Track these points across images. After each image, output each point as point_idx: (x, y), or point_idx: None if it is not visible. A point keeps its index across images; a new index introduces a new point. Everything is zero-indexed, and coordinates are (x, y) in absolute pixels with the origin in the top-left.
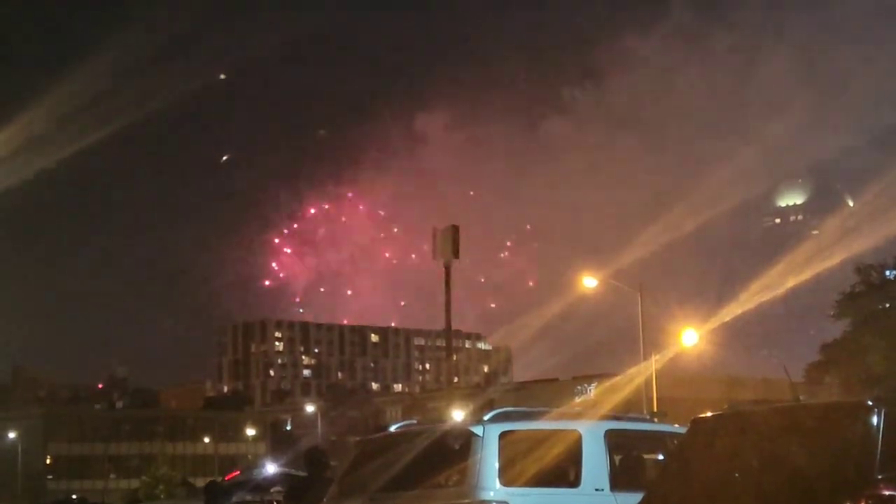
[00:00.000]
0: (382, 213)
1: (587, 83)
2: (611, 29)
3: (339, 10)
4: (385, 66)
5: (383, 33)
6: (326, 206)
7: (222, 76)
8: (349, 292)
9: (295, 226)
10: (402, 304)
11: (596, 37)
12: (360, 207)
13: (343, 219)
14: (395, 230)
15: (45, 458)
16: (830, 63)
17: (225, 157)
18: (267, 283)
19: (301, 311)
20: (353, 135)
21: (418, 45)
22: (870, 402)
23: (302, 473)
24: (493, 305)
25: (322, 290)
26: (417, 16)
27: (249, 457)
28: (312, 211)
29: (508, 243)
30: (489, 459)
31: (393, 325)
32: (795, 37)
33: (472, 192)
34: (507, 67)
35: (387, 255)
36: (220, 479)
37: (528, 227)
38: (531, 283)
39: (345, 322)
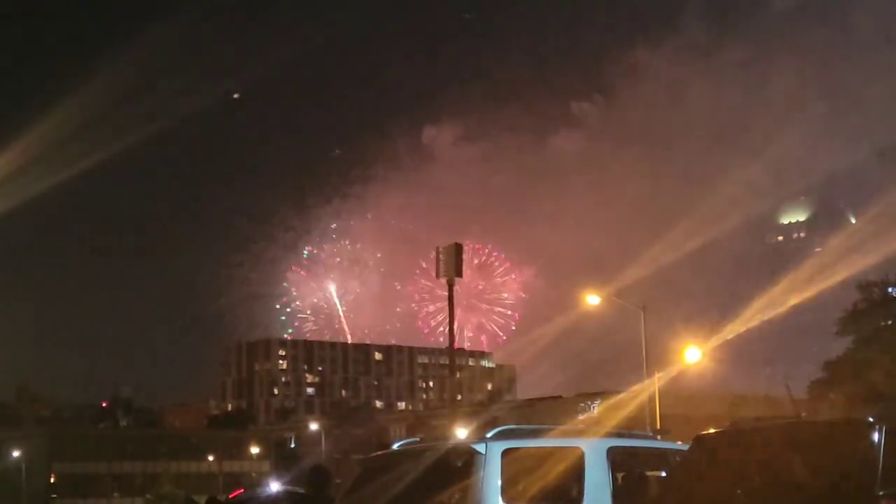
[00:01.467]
0: (389, 229)
1: (597, 98)
2: (621, 43)
3: (349, 27)
4: (394, 82)
5: (392, 49)
6: (333, 224)
7: (236, 95)
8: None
9: (300, 243)
10: (407, 321)
11: (606, 51)
12: (367, 224)
13: (349, 235)
14: (402, 246)
15: (50, 477)
16: (839, 79)
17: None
18: (272, 301)
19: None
20: (361, 151)
21: (427, 60)
22: (871, 420)
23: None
24: (497, 323)
25: (326, 307)
26: (426, 31)
27: (253, 475)
28: (319, 228)
29: (513, 259)
30: (492, 477)
31: (395, 342)
32: (805, 52)
33: (479, 208)
34: (517, 82)
35: (394, 271)
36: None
37: (535, 243)
38: (536, 301)
39: (349, 340)
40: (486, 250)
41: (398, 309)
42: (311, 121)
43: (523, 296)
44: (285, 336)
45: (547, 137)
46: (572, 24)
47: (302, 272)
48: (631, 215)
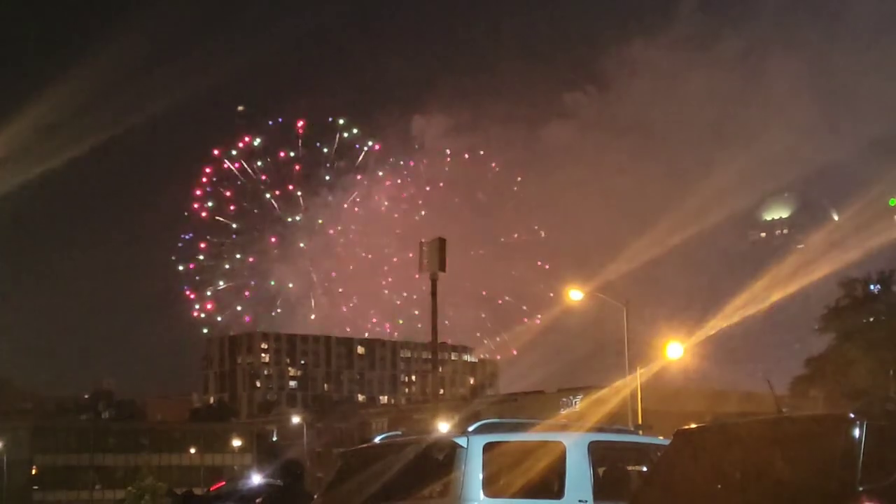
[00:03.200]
0: (377, 220)
1: (590, 89)
2: (616, 35)
3: (339, 16)
4: (385, 72)
5: (383, 39)
6: (320, 216)
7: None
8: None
9: (284, 235)
10: (391, 314)
11: (600, 43)
12: (355, 215)
13: (337, 227)
14: (387, 239)
15: (31, 470)
16: (831, 73)
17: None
18: (253, 293)
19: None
20: (350, 141)
21: (420, 50)
22: (852, 415)
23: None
24: (481, 316)
25: (311, 300)
26: (418, 21)
27: (235, 468)
28: (303, 219)
29: (498, 254)
30: (473, 471)
31: (379, 336)
32: (799, 45)
33: (465, 201)
34: (510, 73)
35: (378, 264)
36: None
37: (520, 237)
38: (519, 295)
39: (331, 334)
40: None
41: (385, 301)
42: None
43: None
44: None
45: (539, 129)
46: (566, 16)
47: (285, 264)
48: (619, 209)
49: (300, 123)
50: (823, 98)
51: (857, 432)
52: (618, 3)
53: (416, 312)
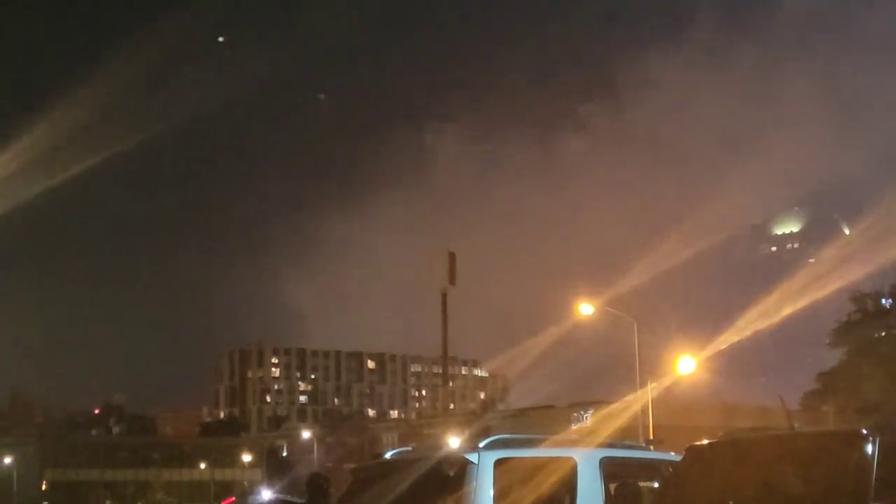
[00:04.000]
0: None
1: (602, 102)
2: (629, 47)
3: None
4: (397, 84)
5: (395, 51)
6: (332, 228)
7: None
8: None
9: (297, 248)
10: (402, 328)
11: (614, 56)
12: (366, 227)
13: (347, 240)
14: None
15: (41, 484)
16: (845, 86)
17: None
18: (267, 306)
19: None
20: (363, 154)
21: (433, 63)
22: (864, 431)
23: (299, 501)
24: (492, 330)
25: (321, 314)
26: (432, 33)
27: (245, 483)
28: (317, 232)
29: (510, 267)
30: (484, 487)
31: (389, 350)
32: (813, 59)
33: (479, 213)
34: (522, 86)
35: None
36: None
37: (532, 250)
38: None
39: (341, 348)
40: None
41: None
42: (312, 125)
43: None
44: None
45: (552, 142)
46: (580, 29)
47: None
48: (630, 222)
49: None
50: (837, 112)
51: (869, 448)
52: (632, 17)
53: (427, 326)
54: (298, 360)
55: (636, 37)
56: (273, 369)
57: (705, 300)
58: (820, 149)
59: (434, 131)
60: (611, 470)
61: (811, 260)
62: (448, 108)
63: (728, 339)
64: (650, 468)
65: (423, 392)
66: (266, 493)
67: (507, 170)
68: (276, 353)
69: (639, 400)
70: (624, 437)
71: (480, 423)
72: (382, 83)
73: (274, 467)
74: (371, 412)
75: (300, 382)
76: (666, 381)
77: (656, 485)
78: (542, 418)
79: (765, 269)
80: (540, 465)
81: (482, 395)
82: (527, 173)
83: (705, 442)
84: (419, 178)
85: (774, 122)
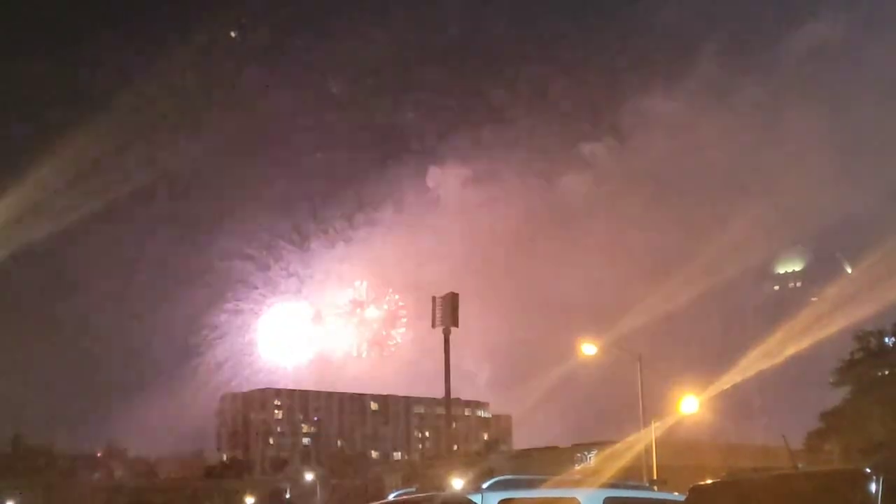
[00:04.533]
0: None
1: (607, 140)
2: (633, 85)
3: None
4: (400, 124)
5: (398, 91)
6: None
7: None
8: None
9: (297, 290)
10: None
11: (618, 94)
12: (370, 269)
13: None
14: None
15: None
16: (850, 123)
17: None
18: (266, 351)
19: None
20: (366, 194)
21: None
22: (868, 470)
23: None
24: (494, 372)
25: (323, 356)
26: (433, 71)
27: None
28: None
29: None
30: None
31: (392, 392)
32: (820, 96)
33: (481, 253)
34: (526, 124)
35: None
36: None
37: (535, 290)
38: (533, 350)
39: (344, 390)
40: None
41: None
42: (314, 164)
43: (521, 345)
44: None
45: (555, 180)
46: (583, 66)
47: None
48: (633, 261)
49: None
50: (842, 149)
51: (873, 487)
52: (636, 54)
53: (430, 367)
54: (301, 403)
55: (640, 76)
56: (276, 412)
57: (708, 340)
58: (826, 186)
59: (435, 170)
60: None
61: (814, 299)
62: (449, 147)
63: (731, 378)
64: None
65: (427, 433)
66: None
67: (510, 209)
68: (278, 395)
69: (642, 440)
70: (628, 477)
71: (484, 465)
72: (382, 122)
73: None
74: (374, 454)
75: (303, 425)
76: (669, 421)
77: None
78: (545, 459)
79: (767, 308)
80: None
81: (486, 436)
82: (530, 213)
83: (709, 482)
84: (420, 217)
85: (781, 159)
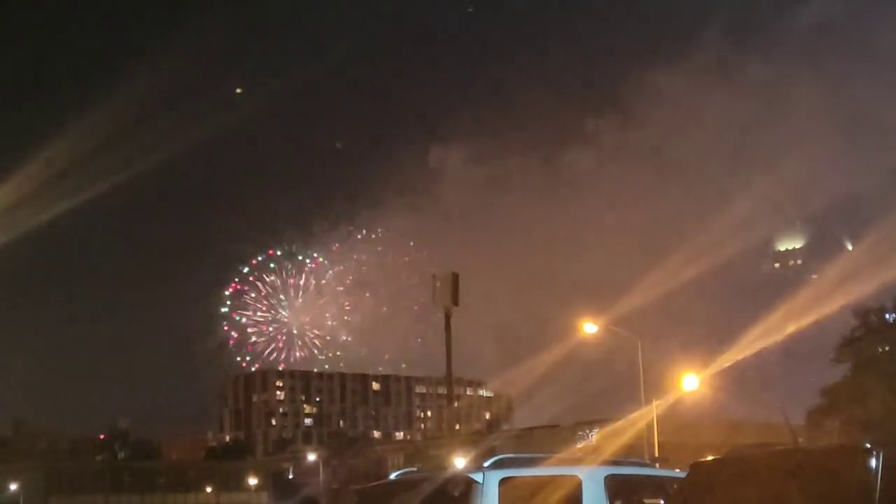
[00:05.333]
0: (395, 253)
1: (610, 117)
2: (638, 61)
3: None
4: (402, 103)
5: (400, 69)
6: (337, 248)
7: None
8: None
9: (298, 270)
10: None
11: (622, 70)
12: (372, 248)
13: (354, 260)
14: (404, 271)
15: None
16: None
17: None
18: (268, 331)
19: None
20: (368, 174)
21: (436, 80)
22: (868, 446)
23: None
24: (496, 351)
25: (327, 336)
26: (436, 50)
27: None
28: (323, 254)
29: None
30: None
31: (394, 372)
32: (825, 74)
33: (483, 231)
34: (528, 101)
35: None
36: None
37: (537, 267)
38: (535, 329)
39: (346, 370)
40: None
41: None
42: (317, 145)
43: (523, 323)
44: (282, 367)
45: (558, 157)
46: (587, 42)
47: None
48: (637, 239)
49: None
50: (845, 127)
51: (873, 463)
52: (640, 30)
53: (431, 347)
54: (303, 383)
55: (644, 51)
56: (278, 392)
57: (709, 317)
58: (830, 164)
59: (438, 149)
60: (616, 488)
61: (814, 276)
62: (451, 125)
63: (732, 356)
64: (655, 485)
65: (428, 413)
66: None
67: (512, 187)
68: (280, 376)
69: (644, 418)
70: (629, 454)
71: (486, 444)
72: (385, 100)
73: (280, 490)
74: (376, 434)
75: (305, 405)
76: (670, 399)
77: (661, 502)
78: (547, 438)
79: (768, 286)
80: (544, 484)
81: (487, 416)
82: (532, 190)
83: (710, 459)
84: (422, 196)
85: (785, 136)
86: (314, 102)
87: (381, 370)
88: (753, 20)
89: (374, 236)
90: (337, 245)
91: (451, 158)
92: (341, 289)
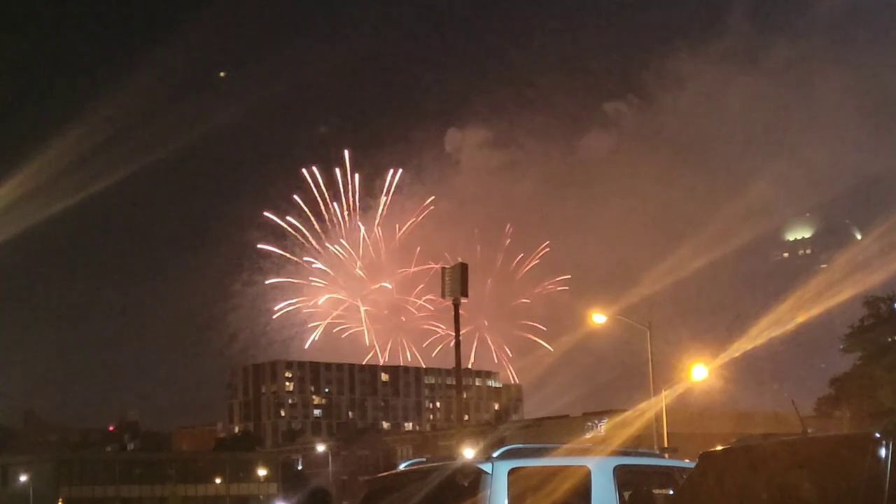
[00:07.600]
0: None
1: (630, 100)
2: (659, 46)
3: (372, 32)
4: (419, 88)
5: (419, 53)
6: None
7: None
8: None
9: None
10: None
11: (642, 54)
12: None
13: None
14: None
15: (58, 502)
16: (877, 88)
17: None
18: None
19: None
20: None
21: (455, 63)
22: (877, 435)
23: None
24: (506, 340)
25: (336, 328)
26: (455, 34)
27: (261, 497)
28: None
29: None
30: (498, 496)
31: (402, 363)
32: (849, 59)
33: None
34: (548, 86)
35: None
36: None
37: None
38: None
39: (355, 361)
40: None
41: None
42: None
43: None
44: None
45: (577, 140)
46: (608, 26)
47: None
48: (650, 227)
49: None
50: (869, 112)
51: (883, 452)
52: (662, 14)
53: (440, 337)
54: (312, 374)
55: (665, 35)
56: (287, 383)
57: (719, 307)
58: (852, 150)
59: (456, 133)
60: (625, 478)
61: (823, 266)
62: (470, 109)
63: (742, 346)
64: (664, 475)
65: (438, 404)
66: None
67: (533, 171)
68: (289, 367)
69: (653, 408)
70: (638, 444)
71: (495, 434)
72: (404, 85)
73: (289, 481)
74: (385, 425)
75: (314, 396)
76: (679, 389)
77: (671, 492)
78: (556, 428)
79: (777, 275)
80: (553, 474)
81: (496, 406)
82: (550, 174)
83: (719, 449)
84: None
85: (807, 122)
86: (329, 87)
87: (390, 361)
88: (778, 5)
89: (388, 223)
90: (353, 235)
91: (469, 142)
92: (358, 271)
